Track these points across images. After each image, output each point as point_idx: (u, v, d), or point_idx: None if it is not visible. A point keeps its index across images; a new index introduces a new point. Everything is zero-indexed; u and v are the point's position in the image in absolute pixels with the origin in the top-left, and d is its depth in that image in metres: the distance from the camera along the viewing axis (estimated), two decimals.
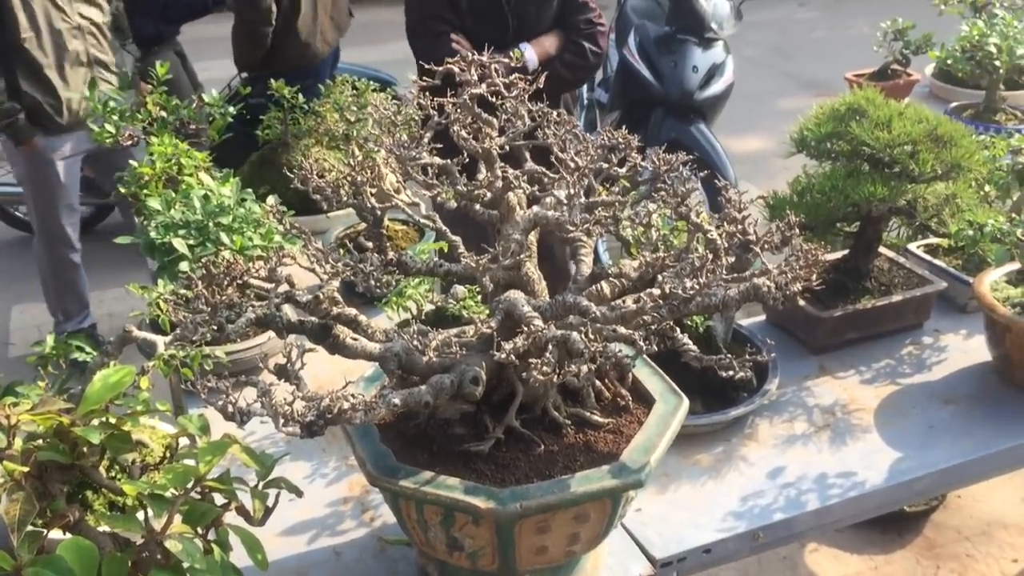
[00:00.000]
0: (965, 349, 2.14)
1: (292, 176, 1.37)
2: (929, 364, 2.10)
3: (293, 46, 4.00)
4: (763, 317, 2.26)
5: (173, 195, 2.04)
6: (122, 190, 2.27)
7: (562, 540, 1.34)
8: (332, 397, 1.15)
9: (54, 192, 3.87)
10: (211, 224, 1.91)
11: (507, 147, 1.34)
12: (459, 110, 1.33)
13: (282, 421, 1.11)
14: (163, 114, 2.42)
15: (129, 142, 2.43)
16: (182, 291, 1.75)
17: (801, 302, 2.03)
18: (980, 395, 1.99)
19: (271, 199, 2.06)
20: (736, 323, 2.04)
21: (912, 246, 2.41)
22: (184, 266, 1.84)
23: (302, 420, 1.12)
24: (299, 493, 1.33)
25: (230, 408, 1.12)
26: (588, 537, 1.36)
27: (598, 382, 1.46)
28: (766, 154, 3.08)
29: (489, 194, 1.30)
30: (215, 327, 1.23)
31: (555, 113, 1.40)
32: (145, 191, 2.19)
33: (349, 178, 1.35)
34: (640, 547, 1.59)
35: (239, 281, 1.33)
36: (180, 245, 1.85)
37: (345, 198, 1.32)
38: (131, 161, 2.29)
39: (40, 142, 3.70)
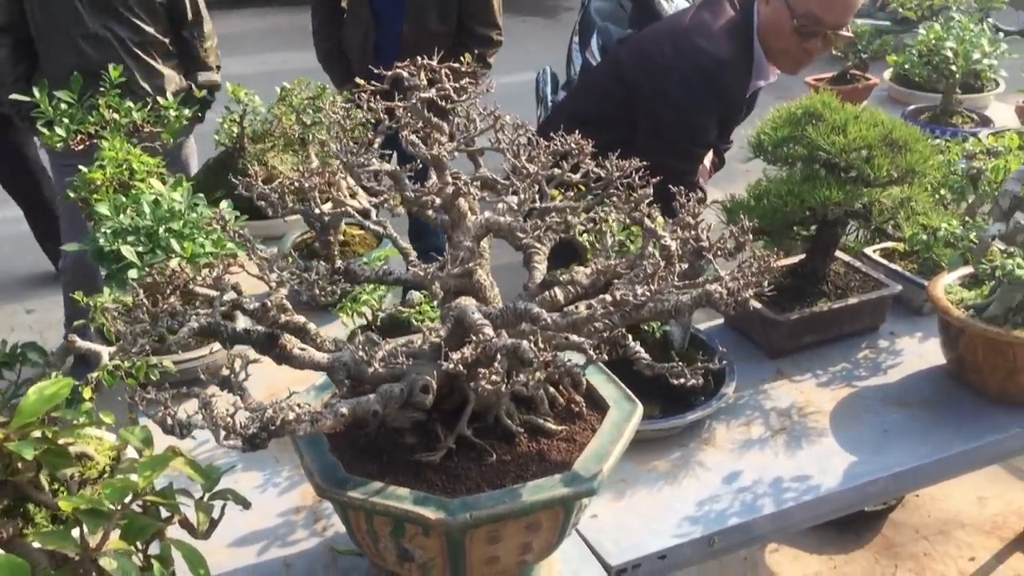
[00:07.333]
0: (920, 352, 2.16)
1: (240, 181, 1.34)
2: (885, 367, 2.11)
3: None
4: (722, 321, 2.26)
5: (123, 200, 2.00)
6: (71, 195, 2.23)
7: (514, 550, 1.32)
8: (276, 408, 1.12)
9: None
10: (161, 230, 1.87)
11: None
12: (409, 114, 1.31)
13: (223, 434, 1.08)
14: (115, 117, 2.38)
15: (80, 147, 2.38)
16: (126, 300, 1.71)
17: (758, 305, 2.04)
18: (934, 398, 2.00)
19: (223, 204, 2.02)
20: (694, 327, 2.04)
21: (868, 250, 2.42)
22: (133, 274, 1.80)
23: (244, 433, 1.09)
24: (247, 504, 1.30)
25: (169, 421, 1.09)
26: (541, 546, 1.35)
27: (552, 389, 1.44)
28: (727, 158, 3.11)
29: (439, 200, 1.28)
30: (156, 338, 1.20)
31: (507, 117, 1.39)
32: (95, 196, 2.15)
33: (296, 183, 1.33)
34: (595, 554, 1.58)
35: (183, 289, 1.30)
36: (129, 252, 1.81)
37: (292, 204, 1.30)
38: (80, 167, 2.24)
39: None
